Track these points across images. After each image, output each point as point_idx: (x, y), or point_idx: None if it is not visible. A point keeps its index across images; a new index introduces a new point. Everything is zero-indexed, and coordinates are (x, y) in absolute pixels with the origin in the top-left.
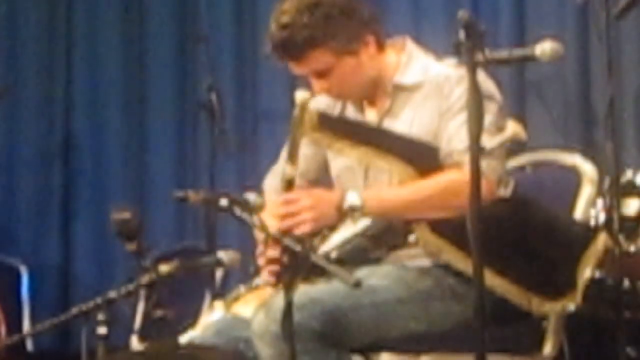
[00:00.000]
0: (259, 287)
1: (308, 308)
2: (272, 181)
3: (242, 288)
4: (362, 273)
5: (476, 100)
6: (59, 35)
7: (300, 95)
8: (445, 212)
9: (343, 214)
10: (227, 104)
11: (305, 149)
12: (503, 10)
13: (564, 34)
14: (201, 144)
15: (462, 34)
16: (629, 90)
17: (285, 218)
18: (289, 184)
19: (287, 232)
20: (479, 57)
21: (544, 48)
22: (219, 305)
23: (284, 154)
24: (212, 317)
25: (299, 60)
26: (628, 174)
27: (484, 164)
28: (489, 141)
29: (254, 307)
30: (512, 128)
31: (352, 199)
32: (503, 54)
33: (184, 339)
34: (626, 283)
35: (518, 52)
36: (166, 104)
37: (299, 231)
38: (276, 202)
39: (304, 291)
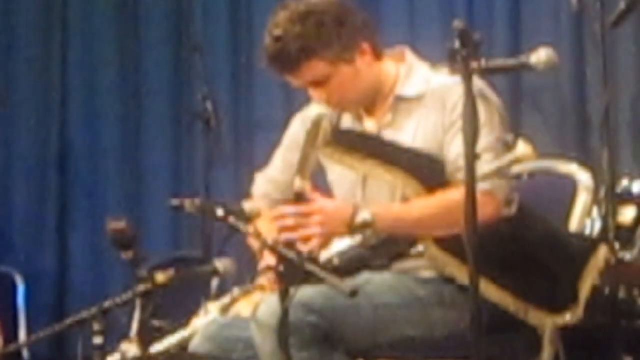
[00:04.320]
0: (253, 290)
1: (308, 304)
2: (263, 187)
3: (235, 291)
4: (363, 277)
5: (471, 107)
6: (54, 43)
7: (314, 110)
8: (454, 229)
9: (353, 230)
10: (222, 113)
11: (292, 155)
12: (498, 18)
13: (559, 42)
14: (196, 153)
15: (457, 43)
16: (625, 98)
17: (293, 230)
18: (298, 197)
19: (291, 245)
20: (474, 65)
21: (539, 56)
22: (212, 307)
23: (276, 159)
24: (205, 319)
25: (294, 72)
26: (624, 182)
27: (492, 184)
28: (496, 159)
29: (252, 307)
30: (523, 148)
31: (364, 215)
32: (498, 62)
33: (174, 338)
34: (622, 291)
35: (513, 60)
36: (162, 113)
37: (305, 246)
38: (285, 212)
39: (305, 289)
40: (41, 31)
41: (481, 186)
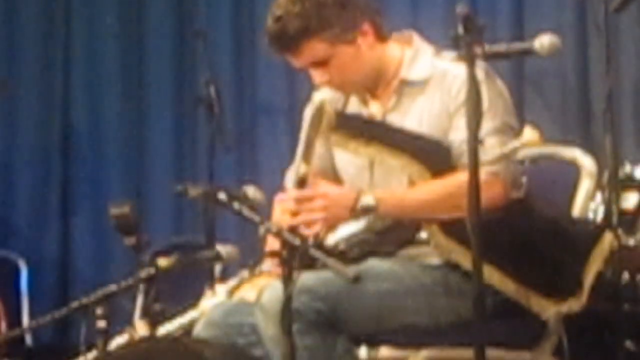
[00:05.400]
0: (262, 273)
1: (312, 290)
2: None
3: (245, 273)
4: (368, 264)
5: (475, 94)
6: (57, 29)
7: (317, 95)
8: (459, 212)
9: (357, 214)
10: (225, 99)
11: (320, 149)
12: (501, 4)
13: (563, 28)
14: (200, 139)
15: (460, 28)
16: (628, 84)
17: (296, 215)
18: (301, 182)
19: (295, 229)
20: (478, 51)
21: (543, 42)
22: (221, 289)
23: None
24: (213, 300)
25: (295, 52)
26: (626, 168)
27: (499, 166)
28: (502, 144)
29: (257, 292)
30: (530, 135)
31: (367, 200)
32: (501, 48)
33: (184, 319)
34: (625, 277)
35: (516, 46)
36: (165, 99)
37: (308, 230)
38: (288, 197)
39: (310, 274)
40: (44, 17)
41: (488, 169)
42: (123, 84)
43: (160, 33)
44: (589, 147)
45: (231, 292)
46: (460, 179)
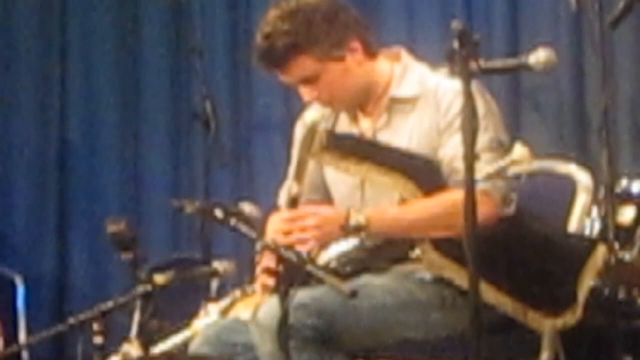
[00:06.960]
0: (254, 293)
1: (308, 306)
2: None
3: (237, 292)
4: (363, 279)
5: (470, 110)
6: (53, 44)
7: (309, 115)
8: (449, 231)
9: (347, 233)
10: (221, 115)
11: (311, 166)
12: (497, 19)
13: (558, 43)
14: (196, 155)
15: (456, 44)
16: (624, 99)
17: (288, 235)
18: (293, 202)
19: (290, 248)
20: (473, 66)
21: (538, 57)
22: (213, 308)
23: (290, 171)
24: (206, 320)
25: (283, 69)
26: (623, 183)
27: (490, 184)
28: (491, 159)
29: (251, 309)
30: (519, 151)
31: (358, 218)
32: (497, 63)
33: (175, 339)
34: (622, 292)
35: (512, 61)
36: (161, 115)
37: (300, 249)
38: (280, 217)
39: (305, 291)
40: (41, 33)
41: (478, 186)
42: (119, 100)
43: (157, 49)
44: (586, 161)
45: (224, 312)
46: (451, 198)
